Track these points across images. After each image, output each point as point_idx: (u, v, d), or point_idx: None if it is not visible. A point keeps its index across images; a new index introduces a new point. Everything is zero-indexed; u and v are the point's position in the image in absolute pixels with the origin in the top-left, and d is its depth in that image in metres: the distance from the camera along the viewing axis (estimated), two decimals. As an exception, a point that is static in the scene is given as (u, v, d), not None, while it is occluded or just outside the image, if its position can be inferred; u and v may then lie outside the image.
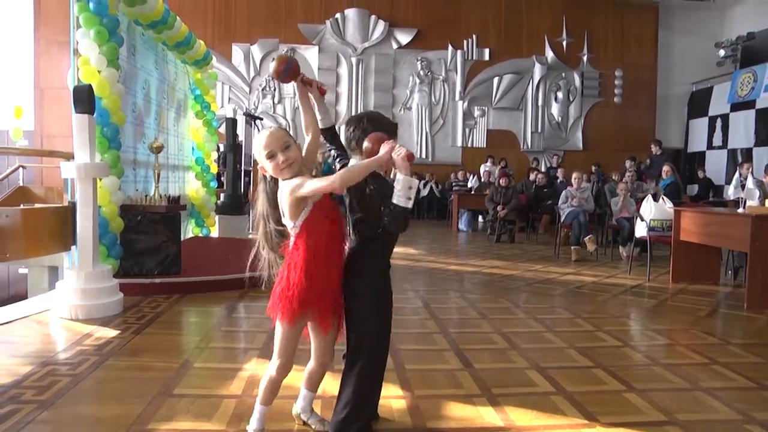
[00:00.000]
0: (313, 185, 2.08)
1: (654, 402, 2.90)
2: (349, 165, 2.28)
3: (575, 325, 4.43)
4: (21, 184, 9.97)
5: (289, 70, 2.33)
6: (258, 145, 2.18)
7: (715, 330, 4.44)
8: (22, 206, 5.37)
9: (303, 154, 2.24)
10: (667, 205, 6.53)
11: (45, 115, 14.02)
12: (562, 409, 2.79)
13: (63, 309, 4.31)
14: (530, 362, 3.48)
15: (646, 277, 6.50)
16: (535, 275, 6.66)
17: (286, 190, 2.14)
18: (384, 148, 2.07)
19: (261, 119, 9.01)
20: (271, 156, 2.14)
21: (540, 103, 15.85)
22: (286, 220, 2.17)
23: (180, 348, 3.71)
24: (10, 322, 4.21)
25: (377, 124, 2.34)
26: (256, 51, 15.07)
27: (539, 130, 15.86)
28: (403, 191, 2.05)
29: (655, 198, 6.73)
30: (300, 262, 2.14)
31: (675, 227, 6.24)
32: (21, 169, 9.80)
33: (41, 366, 3.24)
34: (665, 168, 9.02)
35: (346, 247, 2.28)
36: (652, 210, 6.57)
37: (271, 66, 2.35)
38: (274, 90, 15.17)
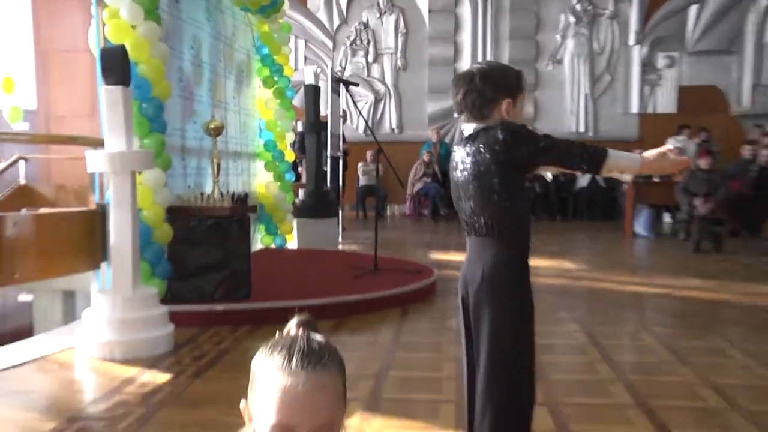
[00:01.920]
0: None
1: None
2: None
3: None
4: (22, 182, 10.41)
5: None
6: (264, 385, 1.32)
7: None
8: (25, 212, 5.65)
9: None
10: None
11: (51, 90, 14.64)
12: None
13: (92, 346, 4.53)
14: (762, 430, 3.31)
15: None
16: (761, 301, 6.40)
17: None
18: None
19: (356, 85, 9.12)
20: None
21: None
22: None
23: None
24: (22, 364, 4.41)
25: (495, 81, 2.41)
26: (341, -10, 15.41)
27: (764, 83, 15.07)
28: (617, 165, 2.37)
29: None
30: None
31: None
32: (21, 161, 10.25)
33: (68, 422, 3.42)
34: None
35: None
36: None
37: None
38: (368, 43, 15.37)
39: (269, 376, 1.29)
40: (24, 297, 11.18)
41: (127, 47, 4.75)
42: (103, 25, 5.07)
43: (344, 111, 12.49)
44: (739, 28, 15.07)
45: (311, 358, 1.31)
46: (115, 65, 4.55)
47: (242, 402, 1.37)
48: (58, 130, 13.14)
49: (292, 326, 1.42)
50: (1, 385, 4.07)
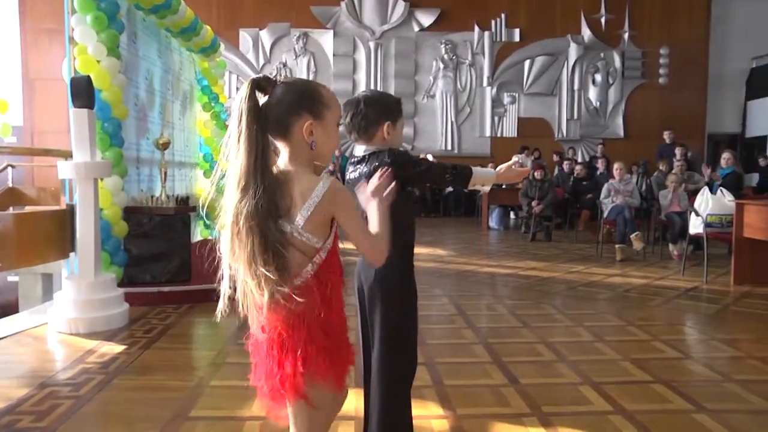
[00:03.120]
0: (363, 228, 1.72)
1: (733, 427, 2.74)
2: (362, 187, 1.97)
3: (627, 334, 4.32)
4: (10, 185, 9.98)
5: None
6: (324, 97, 1.71)
7: (790, 339, 4.27)
8: (12, 209, 5.35)
9: None
10: (726, 198, 6.33)
11: (35, 110, 14.03)
12: (624, 431, 2.67)
13: (61, 323, 4.26)
14: (582, 376, 3.37)
15: (703, 279, 6.30)
16: (577, 277, 6.53)
17: (340, 197, 1.65)
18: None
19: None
20: (340, 124, 1.78)
21: (576, 87, 15.61)
22: (309, 234, 1.63)
23: (193, 364, 3.65)
24: (3, 338, 4.18)
25: (378, 107, 2.25)
26: (266, 36, 15.03)
27: (575, 117, 15.64)
28: (479, 180, 2.34)
29: (712, 190, 6.53)
30: (334, 297, 1.73)
31: (737, 223, 6.04)
32: (9, 168, 9.80)
33: (39, 388, 3.18)
34: (725, 156, 8.74)
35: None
36: (709, 204, 6.38)
37: None
38: (286, 77, 15.12)
39: (328, 96, 1.69)
40: (12, 278, 10.65)
41: (92, 77, 4.51)
42: (74, 58, 4.82)
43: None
44: (557, 78, 15.64)
45: None
46: (82, 92, 4.33)
47: (305, 126, 1.64)
48: (40, 144, 12.79)
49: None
50: (-15, 357, 3.79)
